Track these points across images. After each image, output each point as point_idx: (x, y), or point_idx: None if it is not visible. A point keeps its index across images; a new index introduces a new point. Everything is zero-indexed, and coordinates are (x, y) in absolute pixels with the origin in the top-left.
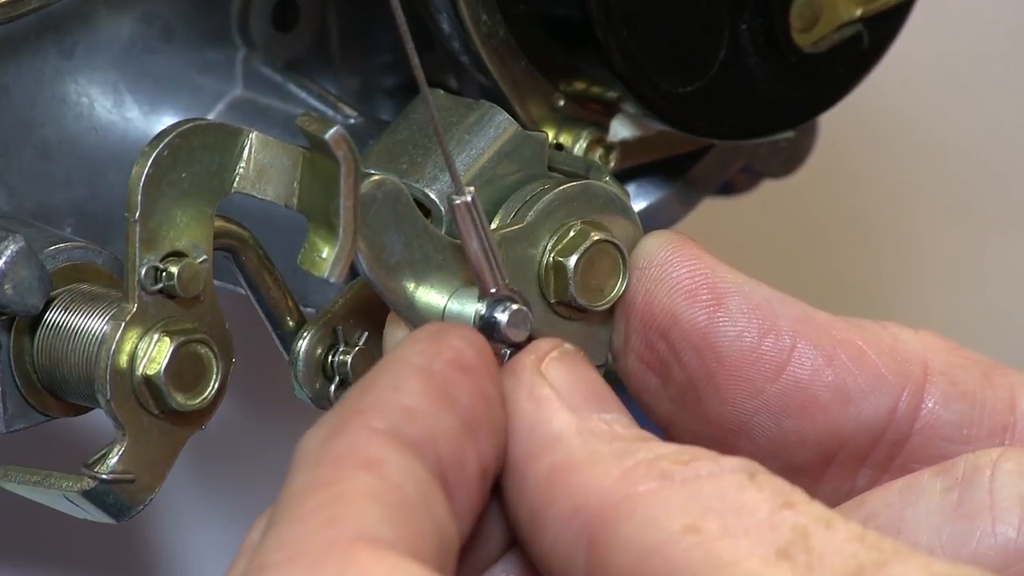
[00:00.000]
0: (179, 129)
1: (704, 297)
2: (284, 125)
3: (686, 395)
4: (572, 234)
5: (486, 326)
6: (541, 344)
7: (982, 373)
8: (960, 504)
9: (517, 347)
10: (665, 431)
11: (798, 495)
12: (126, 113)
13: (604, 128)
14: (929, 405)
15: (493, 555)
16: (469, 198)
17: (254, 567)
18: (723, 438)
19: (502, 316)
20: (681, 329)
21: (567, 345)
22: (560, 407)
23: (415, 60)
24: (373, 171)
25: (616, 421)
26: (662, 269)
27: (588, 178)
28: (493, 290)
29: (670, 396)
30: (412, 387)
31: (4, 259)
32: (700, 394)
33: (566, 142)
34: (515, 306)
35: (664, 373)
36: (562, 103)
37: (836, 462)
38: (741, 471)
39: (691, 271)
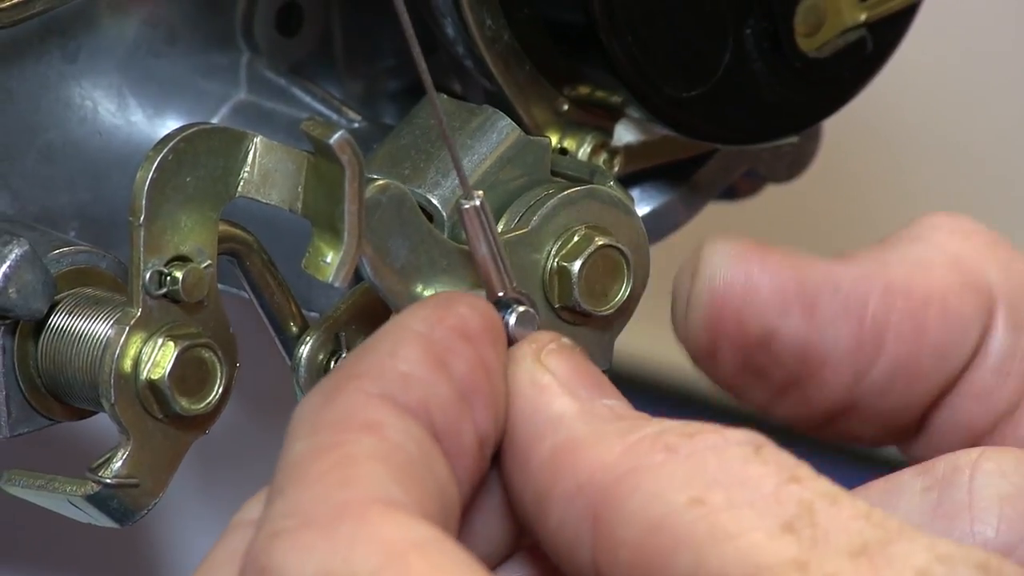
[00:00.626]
0: (184, 133)
1: (797, 309)
2: (288, 129)
3: (787, 390)
4: (576, 239)
5: None
6: (540, 335)
7: None
8: (940, 504)
9: None
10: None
11: (804, 470)
12: (130, 117)
13: (608, 132)
14: (998, 336)
15: (496, 559)
16: (478, 203)
17: (265, 535)
18: (827, 419)
19: (510, 318)
20: (780, 341)
21: (564, 339)
22: (561, 392)
23: (422, 65)
24: (377, 176)
25: (618, 406)
26: (746, 287)
27: (592, 183)
28: (501, 293)
29: (768, 391)
30: (409, 353)
31: (8, 263)
32: (803, 387)
33: (570, 147)
34: (522, 308)
35: (762, 375)
36: (566, 108)
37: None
38: (747, 444)
39: (775, 281)
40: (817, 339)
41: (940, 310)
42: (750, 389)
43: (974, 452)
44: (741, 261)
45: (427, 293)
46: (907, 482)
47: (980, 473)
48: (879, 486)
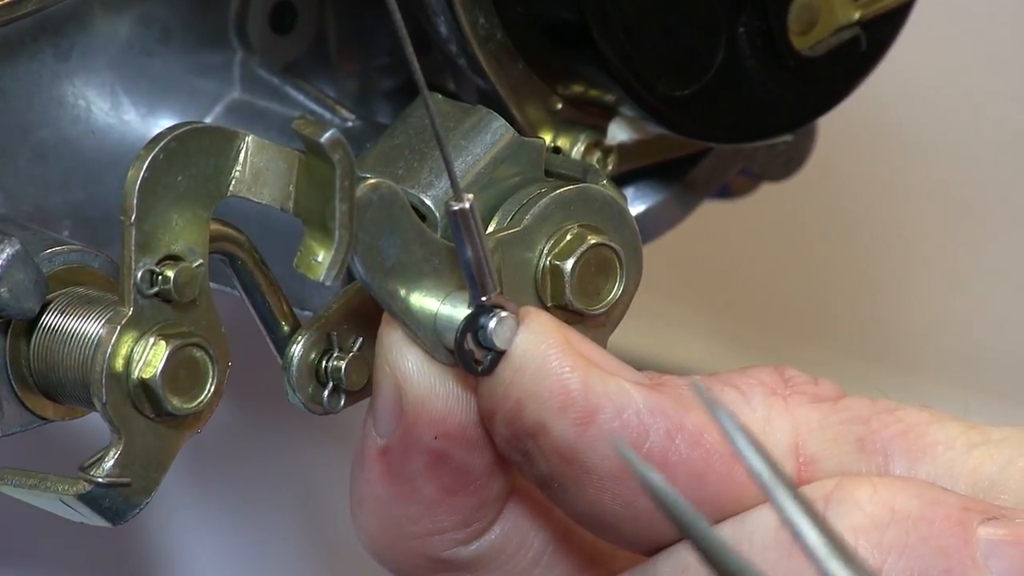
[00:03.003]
0: (175, 132)
1: (574, 414)
2: (281, 128)
3: (550, 484)
4: (569, 238)
5: (474, 332)
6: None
7: (856, 440)
8: (795, 540)
9: (501, 354)
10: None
11: None
12: (123, 116)
13: (602, 131)
14: None
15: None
16: (467, 205)
17: None
18: (589, 525)
19: (490, 323)
20: (549, 439)
21: None
22: None
23: (415, 64)
24: (370, 175)
25: None
26: (535, 379)
27: (585, 181)
28: (484, 299)
29: (531, 477)
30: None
31: (0, 262)
32: (565, 490)
33: (564, 145)
34: (504, 313)
35: (529, 462)
36: (560, 106)
37: None
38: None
39: (562, 383)
40: (583, 449)
41: (725, 469)
42: (517, 467)
43: (829, 483)
44: (536, 352)
45: (416, 293)
46: (761, 518)
47: (835, 504)
48: (732, 524)
